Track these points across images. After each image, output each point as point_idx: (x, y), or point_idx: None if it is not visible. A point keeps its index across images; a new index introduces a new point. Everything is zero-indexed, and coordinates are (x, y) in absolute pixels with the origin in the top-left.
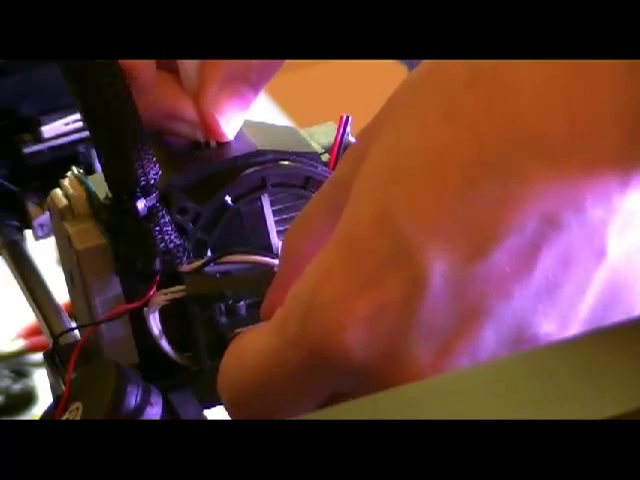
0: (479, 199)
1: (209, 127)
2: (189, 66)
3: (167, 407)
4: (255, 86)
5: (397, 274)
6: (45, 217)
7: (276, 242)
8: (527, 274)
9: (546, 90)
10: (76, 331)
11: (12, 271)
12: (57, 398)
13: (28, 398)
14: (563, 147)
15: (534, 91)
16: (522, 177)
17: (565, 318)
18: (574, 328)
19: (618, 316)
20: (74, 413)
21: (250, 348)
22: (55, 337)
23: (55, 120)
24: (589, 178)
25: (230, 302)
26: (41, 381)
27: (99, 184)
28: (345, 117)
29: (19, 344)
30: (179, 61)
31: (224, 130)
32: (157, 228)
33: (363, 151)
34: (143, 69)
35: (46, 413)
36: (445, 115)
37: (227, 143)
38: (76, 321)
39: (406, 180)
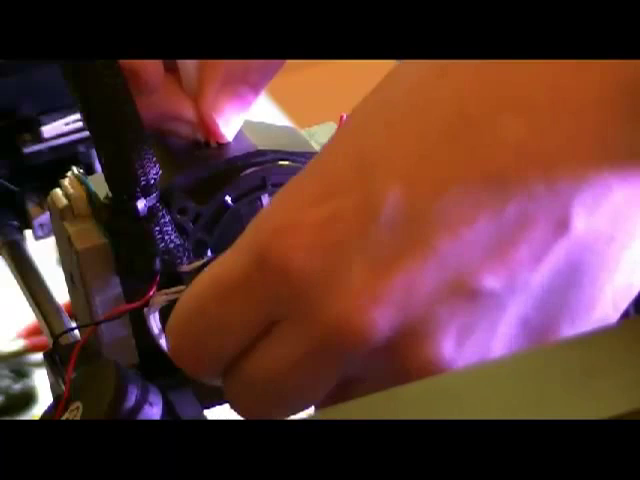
0: (452, 149)
1: (208, 128)
2: (189, 66)
3: (167, 407)
4: (255, 87)
5: (353, 192)
6: (45, 217)
7: None
8: (481, 222)
9: (537, 64)
10: (76, 331)
11: (12, 271)
12: (57, 398)
13: (28, 398)
14: (544, 113)
15: (525, 63)
16: (496, 132)
17: (512, 280)
18: (522, 298)
19: (575, 305)
20: (74, 413)
21: (204, 273)
22: (55, 337)
23: (55, 120)
24: (565, 149)
25: None
26: (41, 381)
27: (99, 184)
28: (345, 117)
29: (19, 344)
30: (179, 61)
31: (223, 131)
32: (157, 228)
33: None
34: (151, 70)
35: (46, 413)
36: (437, 74)
37: (227, 143)
38: (76, 321)
39: (389, 125)
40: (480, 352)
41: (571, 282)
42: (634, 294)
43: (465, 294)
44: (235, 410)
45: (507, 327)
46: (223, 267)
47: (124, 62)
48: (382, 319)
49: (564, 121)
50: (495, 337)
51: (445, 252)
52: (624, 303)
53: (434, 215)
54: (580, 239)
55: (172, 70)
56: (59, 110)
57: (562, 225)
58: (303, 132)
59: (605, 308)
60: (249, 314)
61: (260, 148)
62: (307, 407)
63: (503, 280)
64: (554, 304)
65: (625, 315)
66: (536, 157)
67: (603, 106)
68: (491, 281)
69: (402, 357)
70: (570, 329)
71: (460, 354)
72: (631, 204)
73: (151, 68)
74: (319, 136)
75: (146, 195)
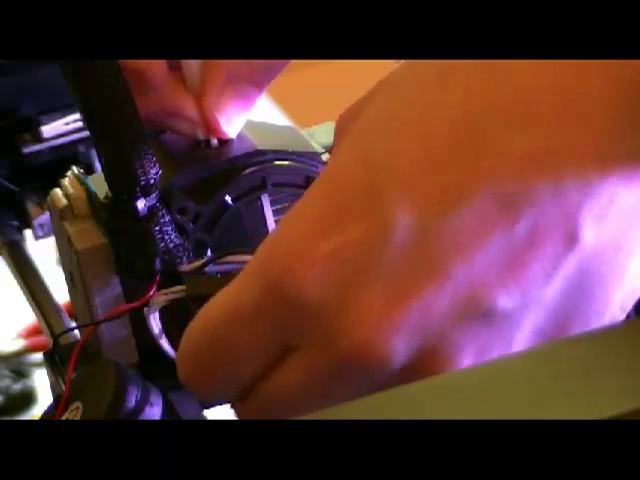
0: (457, 161)
1: (211, 125)
2: (192, 65)
3: (167, 407)
4: (258, 85)
5: (363, 218)
6: (45, 217)
7: None
8: (492, 240)
9: (540, 66)
10: (76, 331)
11: (12, 271)
12: (57, 398)
13: (28, 398)
14: (548, 121)
15: (529, 65)
16: (501, 143)
17: (525, 297)
18: (535, 313)
19: (587, 313)
20: (74, 413)
21: (213, 300)
22: (55, 337)
23: (55, 120)
24: (570, 157)
25: None
26: (41, 381)
27: (99, 184)
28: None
29: (19, 344)
30: (182, 60)
31: (226, 129)
32: (157, 228)
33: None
34: (155, 69)
35: (46, 413)
36: (440, 79)
37: (227, 143)
38: (76, 321)
39: (393, 134)
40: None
41: (582, 292)
42: (638, 295)
43: (480, 315)
44: None
45: (522, 342)
46: (234, 296)
47: (128, 62)
48: (401, 345)
49: (569, 127)
50: (510, 352)
51: (458, 275)
52: (630, 304)
53: (444, 237)
54: (590, 250)
55: (175, 68)
56: (59, 110)
57: (572, 238)
58: (303, 132)
59: (614, 312)
60: (262, 343)
61: (260, 148)
62: None
63: (516, 298)
64: (567, 315)
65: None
66: (542, 166)
67: (606, 110)
68: (505, 300)
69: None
70: None
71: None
72: (637, 212)
73: (155, 67)
74: (319, 136)
75: (146, 195)
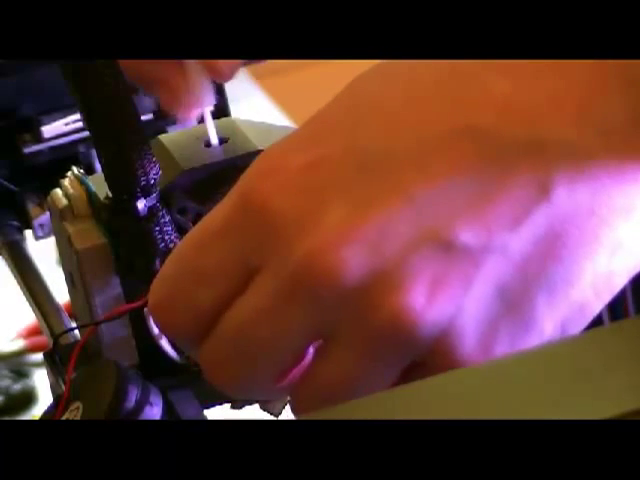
0: (439, 98)
1: (211, 66)
2: None
3: (167, 407)
4: None
5: (339, 140)
6: (45, 217)
7: None
8: (461, 174)
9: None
10: (76, 331)
11: (12, 271)
12: (57, 398)
13: (28, 398)
14: (530, 72)
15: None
16: (484, 86)
17: (489, 240)
18: (498, 262)
19: (553, 278)
20: (74, 413)
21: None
22: (55, 337)
23: (55, 120)
24: (550, 108)
25: None
26: (41, 381)
27: (99, 184)
28: None
29: (19, 344)
30: None
31: (224, 68)
32: (157, 228)
33: None
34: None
35: (46, 413)
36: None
37: (227, 143)
38: (76, 321)
39: (384, 78)
40: (452, 308)
41: (550, 253)
42: (617, 285)
43: (439, 245)
44: (208, 378)
45: (481, 287)
46: (206, 218)
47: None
48: (352, 259)
49: (550, 80)
50: (469, 295)
51: (421, 199)
52: (606, 292)
53: (412, 161)
54: (560, 208)
55: None
56: (59, 110)
57: (543, 189)
58: None
59: (585, 290)
60: (226, 262)
61: (260, 148)
62: (280, 372)
63: (479, 236)
64: (532, 274)
65: (625, 315)
66: (521, 114)
67: (592, 71)
68: (467, 235)
69: (371, 306)
70: (547, 303)
71: (431, 307)
72: (614, 180)
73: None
74: None
75: (146, 195)
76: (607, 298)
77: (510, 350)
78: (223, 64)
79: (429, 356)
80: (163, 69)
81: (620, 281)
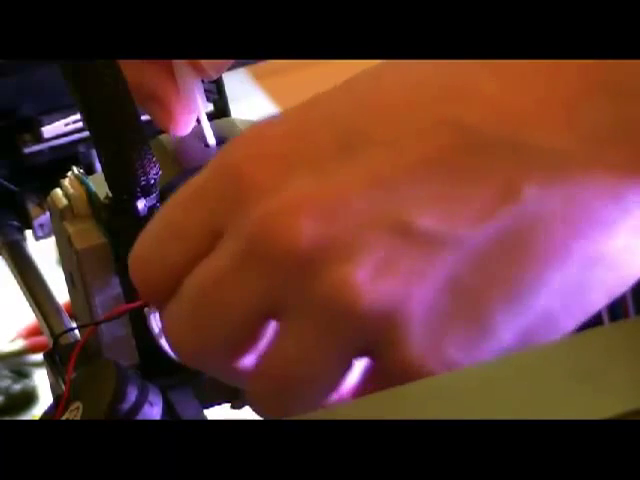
0: (421, 85)
1: (197, 65)
2: None
3: (167, 407)
4: None
5: (319, 114)
6: (45, 217)
7: None
8: (433, 161)
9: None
10: (76, 331)
11: (12, 271)
12: (57, 398)
13: (28, 398)
14: (518, 74)
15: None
16: (470, 82)
17: (449, 230)
18: (455, 256)
19: (513, 281)
20: (74, 413)
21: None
22: (55, 337)
23: (55, 120)
24: (533, 111)
25: None
26: (41, 381)
27: (99, 184)
28: None
29: (19, 344)
30: None
31: (208, 67)
32: None
33: None
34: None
35: (46, 413)
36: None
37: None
38: (76, 321)
39: (373, 74)
40: (399, 293)
41: (513, 256)
42: (592, 301)
43: (397, 228)
44: (168, 345)
45: (434, 278)
46: (194, 177)
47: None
48: (307, 226)
49: (536, 84)
50: (419, 284)
51: (388, 181)
52: (577, 308)
53: (390, 144)
54: (530, 211)
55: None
56: (59, 110)
57: (514, 189)
58: None
59: (550, 301)
60: (197, 222)
61: None
62: (233, 347)
63: (439, 226)
64: (491, 275)
65: (625, 315)
66: (507, 115)
67: (579, 76)
68: (427, 222)
69: (317, 276)
70: (505, 308)
71: (376, 286)
72: (594, 191)
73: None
74: None
75: (146, 195)
76: (579, 315)
77: (466, 356)
78: (206, 63)
79: (378, 346)
80: (156, 85)
81: (596, 298)
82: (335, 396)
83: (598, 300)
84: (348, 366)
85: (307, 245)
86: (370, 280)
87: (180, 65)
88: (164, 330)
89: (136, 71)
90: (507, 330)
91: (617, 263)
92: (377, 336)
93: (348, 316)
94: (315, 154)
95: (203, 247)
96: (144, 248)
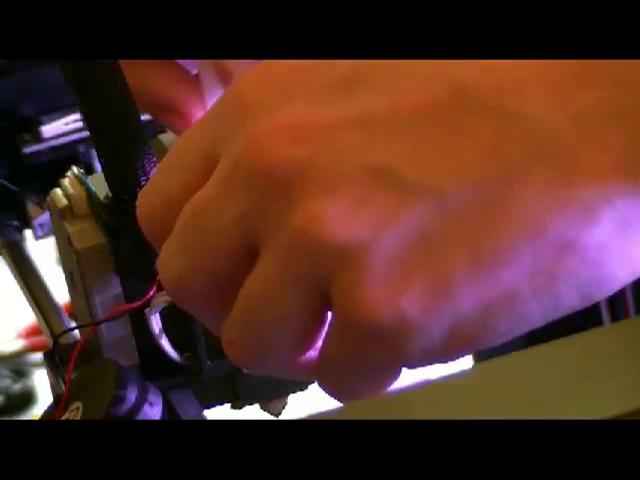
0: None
1: (221, 67)
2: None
3: (167, 407)
4: None
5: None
6: (45, 217)
7: None
8: (426, 112)
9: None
10: (76, 331)
11: (12, 271)
12: (57, 398)
13: (28, 398)
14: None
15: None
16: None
17: (430, 178)
18: (432, 203)
19: (483, 248)
20: (74, 413)
21: None
22: (55, 337)
23: (55, 120)
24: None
25: None
26: (41, 381)
27: (99, 184)
28: None
29: (19, 344)
30: None
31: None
32: None
33: None
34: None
35: (46, 413)
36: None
37: None
38: (76, 321)
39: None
40: (367, 234)
41: (487, 221)
42: (560, 293)
43: (377, 170)
44: (160, 279)
45: (403, 226)
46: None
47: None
48: (287, 151)
49: (537, 62)
50: (389, 228)
51: (379, 124)
52: (546, 295)
53: (386, 90)
54: (512, 178)
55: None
56: (59, 110)
57: (499, 153)
58: None
59: (518, 278)
60: (198, 149)
61: None
62: (214, 278)
63: (419, 174)
64: (461, 234)
65: (625, 315)
66: (504, 80)
67: (579, 63)
68: (409, 170)
69: (291, 206)
70: (469, 273)
71: (346, 222)
72: (578, 172)
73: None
74: None
75: None
76: (548, 307)
77: (420, 314)
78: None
79: (333, 287)
80: (177, 98)
81: (567, 293)
82: (309, 354)
83: (569, 296)
84: (312, 315)
85: (286, 168)
86: (340, 217)
87: (208, 75)
88: (158, 262)
89: (154, 84)
90: (466, 297)
91: (592, 259)
92: (335, 274)
93: (310, 250)
94: (315, 88)
95: (201, 176)
96: (149, 183)
